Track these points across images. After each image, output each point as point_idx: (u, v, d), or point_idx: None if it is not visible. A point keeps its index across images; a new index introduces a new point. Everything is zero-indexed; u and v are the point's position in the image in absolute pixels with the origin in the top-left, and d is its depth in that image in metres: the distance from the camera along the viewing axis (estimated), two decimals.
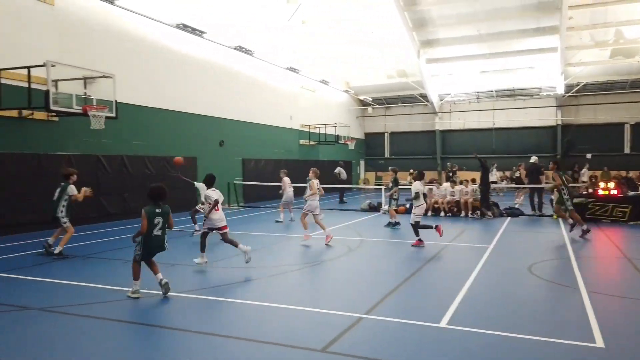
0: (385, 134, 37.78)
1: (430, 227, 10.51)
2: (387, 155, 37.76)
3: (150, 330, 5.33)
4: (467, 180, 17.74)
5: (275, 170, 24.02)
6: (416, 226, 10.52)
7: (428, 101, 34.38)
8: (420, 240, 10.55)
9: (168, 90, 17.87)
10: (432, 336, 5.10)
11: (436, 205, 16.59)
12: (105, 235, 12.36)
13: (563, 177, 12.10)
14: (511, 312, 5.93)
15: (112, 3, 15.41)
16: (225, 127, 21.03)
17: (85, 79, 13.27)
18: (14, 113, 12.40)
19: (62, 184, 9.54)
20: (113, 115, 13.03)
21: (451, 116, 35.49)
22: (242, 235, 12.28)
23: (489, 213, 15.86)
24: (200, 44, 19.51)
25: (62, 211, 9.40)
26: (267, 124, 24.33)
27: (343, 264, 8.95)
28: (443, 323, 5.40)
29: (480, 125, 34.44)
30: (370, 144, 38.34)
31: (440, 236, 10.56)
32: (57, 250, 9.36)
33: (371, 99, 36.02)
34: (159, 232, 6.59)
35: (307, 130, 28.19)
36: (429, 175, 31.84)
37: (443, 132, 35.76)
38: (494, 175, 31.56)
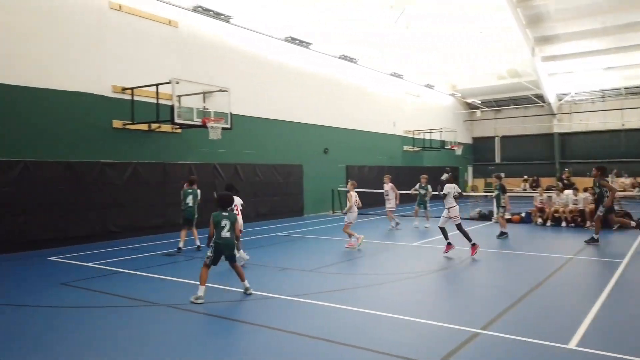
0: (496, 138, 35.74)
1: (447, 239, 10.14)
2: (497, 160, 35.67)
3: (255, 329, 5.50)
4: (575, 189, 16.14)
5: (379, 176, 23.89)
6: (460, 229, 10.20)
7: (544, 102, 31.93)
8: (449, 244, 10.14)
9: (276, 100, 18.66)
10: (562, 358, 4.63)
11: (556, 215, 15.25)
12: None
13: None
14: None
15: (227, 22, 16.51)
16: (330, 134, 21.40)
17: (204, 93, 14.32)
18: (144, 126, 13.77)
19: (191, 190, 10.73)
20: (228, 126, 13.88)
21: (571, 117, 32.63)
22: (344, 242, 12.34)
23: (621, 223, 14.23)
24: (307, 55, 20.12)
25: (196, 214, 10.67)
26: (370, 131, 24.31)
27: (454, 276, 8.57)
28: (572, 344, 4.88)
29: (606, 126, 31.20)
30: (479, 149, 36.54)
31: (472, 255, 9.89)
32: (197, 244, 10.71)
33: (480, 102, 34.36)
34: (228, 234, 6.80)
35: (411, 136, 27.67)
36: (546, 181, 29.51)
37: (562, 134, 32.98)
38: (615, 182, 28.31)
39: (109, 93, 13.20)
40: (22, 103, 11.43)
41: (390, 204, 15.04)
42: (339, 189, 21.02)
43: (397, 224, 14.85)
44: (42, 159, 11.59)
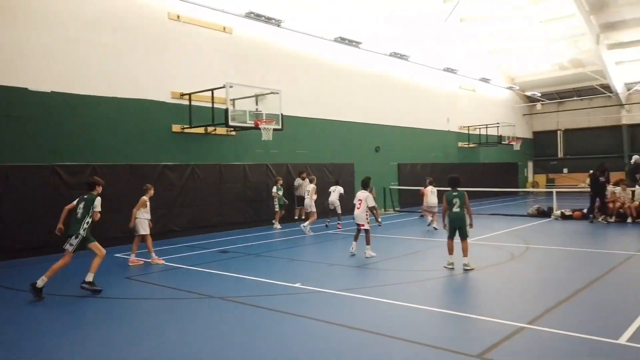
0: (558, 132, 34.14)
1: None
2: (560, 155, 34.08)
3: (301, 321, 5.72)
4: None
5: (433, 174, 23.62)
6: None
7: (612, 92, 30.12)
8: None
9: (327, 100, 18.90)
10: (607, 352, 4.51)
11: (621, 211, 14.43)
12: (275, 235, 13.56)
13: None
14: None
15: (279, 26, 16.96)
16: (381, 132, 21.37)
17: (256, 96, 14.81)
18: (201, 130, 14.45)
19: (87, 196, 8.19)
20: (279, 127, 14.28)
21: None
22: (397, 240, 12.36)
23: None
24: (357, 54, 20.22)
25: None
26: (423, 128, 24.00)
27: (505, 271, 8.41)
28: (622, 339, 4.73)
29: None
30: (540, 143, 35.03)
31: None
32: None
33: (540, 94, 32.93)
34: (458, 210, 8.32)
35: (467, 132, 27.02)
36: (615, 176, 27.85)
37: (632, 126, 30.95)
38: None
39: (168, 99, 13.98)
40: (89, 111, 12.36)
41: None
42: (390, 187, 20.95)
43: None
44: (109, 162, 12.48)
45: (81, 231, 7.28)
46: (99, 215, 7.49)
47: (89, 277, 7.33)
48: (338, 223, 14.90)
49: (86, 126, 12.28)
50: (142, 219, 9.81)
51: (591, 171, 16.53)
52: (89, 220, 7.38)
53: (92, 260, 7.45)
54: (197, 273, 8.81)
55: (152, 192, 10.05)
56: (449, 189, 8.64)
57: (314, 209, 14.03)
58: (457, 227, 8.36)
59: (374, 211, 10.12)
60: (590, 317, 5.69)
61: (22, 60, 11.26)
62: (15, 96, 11.09)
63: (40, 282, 6.96)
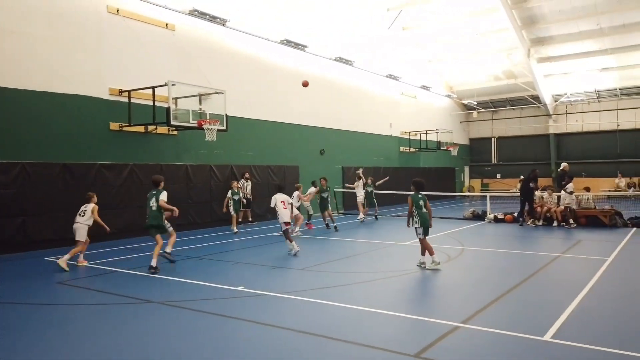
0: (492, 139, 35.98)
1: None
2: (494, 161, 35.92)
3: (242, 324, 5.69)
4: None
5: (375, 177, 24.14)
6: None
7: (540, 103, 32.16)
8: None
9: (272, 102, 18.86)
10: (534, 349, 4.83)
11: (548, 215, 15.44)
12: (217, 238, 13.34)
13: None
14: (627, 328, 5.41)
15: (224, 25, 16.72)
16: (326, 135, 21.61)
17: (200, 95, 14.51)
18: (141, 128, 13.97)
19: (155, 191, 9.27)
20: (224, 128, 14.08)
21: (567, 118, 32.86)
22: (342, 242, 12.55)
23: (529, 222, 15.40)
24: (302, 57, 20.33)
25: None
26: (366, 132, 24.52)
27: (441, 273, 8.75)
28: (547, 336, 5.09)
29: (601, 127, 31.47)
30: (476, 149, 36.77)
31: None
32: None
33: (476, 103, 34.59)
34: (425, 211, 8.86)
35: (408, 137, 27.88)
36: (543, 182, 29.73)
37: (558, 135, 33.21)
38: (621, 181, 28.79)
39: (106, 95, 13.40)
40: (21, 106, 11.63)
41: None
42: (335, 189, 21.20)
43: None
44: (40, 161, 11.79)
45: (164, 222, 9.17)
46: (165, 204, 8.97)
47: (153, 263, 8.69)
48: (307, 223, 15.36)
49: (15, 122, 11.53)
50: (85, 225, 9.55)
51: (522, 177, 17.59)
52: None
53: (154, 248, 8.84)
54: (136, 277, 8.52)
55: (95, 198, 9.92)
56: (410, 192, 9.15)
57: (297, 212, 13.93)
58: (427, 226, 8.89)
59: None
60: (519, 315, 6.06)
61: None
62: None
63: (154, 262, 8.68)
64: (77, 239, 9.46)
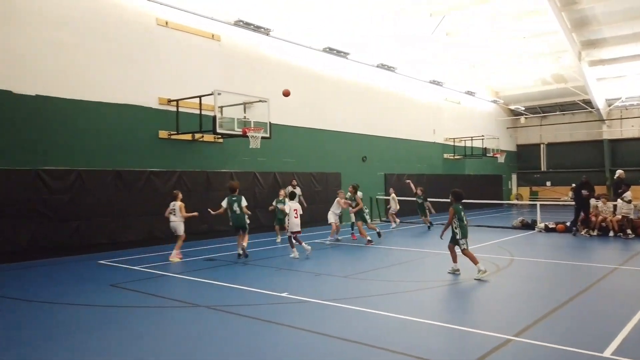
0: (541, 145, 34.73)
1: None
2: (543, 168, 34.64)
3: (288, 331, 5.69)
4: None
5: (418, 185, 23.77)
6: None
7: (593, 107, 30.78)
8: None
9: (314, 109, 18.97)
10: None
11: (604, 224, 14.68)
12: (261, 244, 13.48)
13: None
14: None
15: (267, 34, 17.01)
16: (368, 142, 21.51)
17: (244, 104, 14.78)
18: (188, 136, 14.37)
19: (235, 197, 10.89)
20: (267, 135, 14.26)
21: (622, 123, 31.29)
22: (386, 250, 12.39)
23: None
24: (345, 64, 20.37)
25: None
26: (409, 139, 24.23)
27: (490, 283, 8.47)
28: (607, 353, 4.80)
29: None
30: (523, 156, 35.58)
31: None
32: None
33: (524, 108, 33.52)
34: (465, 222, 8.81)
35: (452, 143, 27.32)
36: (596, 190, 28.39)
37: (612, 141, 31.66)
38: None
39: (155, 105, 13.88)
40: (76, 115, 12.21)
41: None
42: (377, 197, 21.04)
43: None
44: (94, 168, 12.32)
45: (248, 221, 10.80)
46: (245, 208, 10.67)
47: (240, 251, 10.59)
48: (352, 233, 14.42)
49: (72, 131, 12.12)
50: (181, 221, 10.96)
51: (574, 185, 16.83)
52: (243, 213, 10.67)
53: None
54: (184, 281, 8.71)
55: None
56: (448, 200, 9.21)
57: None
58: (467, 237, 8.88)
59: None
60: (574, 330, 5.76)
61: (6, 63, 11.09)
62: None
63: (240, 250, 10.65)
64: (178, 234, 10.89)
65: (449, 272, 8.99)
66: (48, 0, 11.79)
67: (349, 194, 14.08)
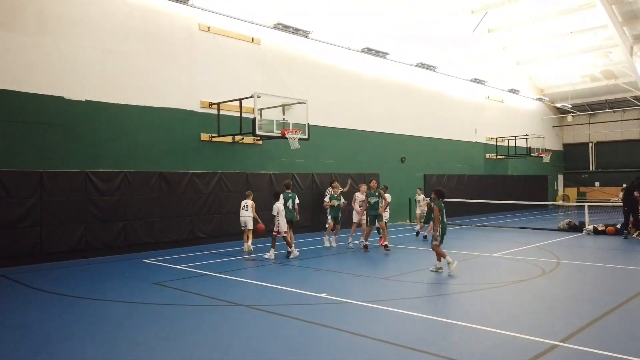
0: (590, 144, 33.32)
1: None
2: (592, 168, 33.21)
3: (329, 332, 5.69)
4: None
5: (458, 185, 23.30)
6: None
7: None
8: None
9: (353, 110, 18.93)
10: None
11: None
12: (298, 245, 13.56)
13: None
14: None
15: (306, 37, 17.12)
16: (407, 143, 21.26)
17: (283, 106, 14.91)
18: (228, 139, 14.64)
19: (290, 194, 11.84)
20: (306, 137, 14.34)
21: None
22: (423, 252, 12.21)
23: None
24: (383, 64, 20.22)
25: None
26: (450, 139, 23.76)
27: (535, 287, 8.20)
28: None
29: None
30: (570, 156, 34.23)
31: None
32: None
33: (570, 106, 32.24)
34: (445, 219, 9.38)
35: (494, 143, 26.61)
36: None
37: None
38: None
39: (197, 108, 14.23)
40: (122, 119, 12.68)
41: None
42: (416, 198, 20.74)
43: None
44: (139, 170, 12.76)
45: (297, 216, 11.97)
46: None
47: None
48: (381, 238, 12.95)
49: (118, 134, 12.59)
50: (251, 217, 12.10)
51: (624, 185, 16.02)
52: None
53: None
54: (224, 280, 8.88)
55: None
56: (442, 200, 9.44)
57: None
58: (444, 234, 9.41)
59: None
60: (626, 336, 5.49)
61: (58, 70, 11.65)
62: (52, 104, 11.47)
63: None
64: (248, 228, 12.01)
65: (431, 270, 9.32)
66: (95, 9, 12.31)
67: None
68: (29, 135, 11.13)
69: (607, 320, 6.04)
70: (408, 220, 20.20)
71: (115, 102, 12.53)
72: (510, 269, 9.83)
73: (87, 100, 12.05)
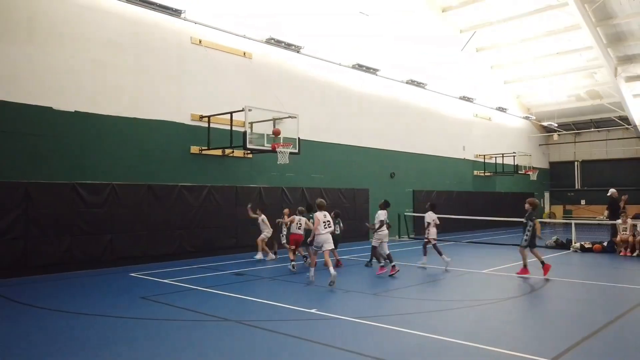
0: (575, 163, 33.82)
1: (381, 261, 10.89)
2: (577, 186, 33.66)
3: (318, 348, 5.61)
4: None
5: (448, 202, 23.42)
6: (372, 250, 11.32)
7: (630, 124, 29.86)
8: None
9: (343, 125, 19.01)
10: None
11: None
12: (288, 260, 13.45)
13: None
14: None
15: (298, 52, 17.23)
16: (397, 159, 21.37)
17: (274, 119, 14.94)
18: (218, 152, 14.58)
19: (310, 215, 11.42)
20: (296, 151, 14.34)
21: None
22: (417, 268, 12.18)
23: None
24: (374, 80, 20.41)
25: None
26: (438, 155, 23.96)
27: (524, 304, 8.21)
28: None
29: None
30: (557, 174, 34.68)
31: None
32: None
33: (557, 125, 32.77)
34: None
35: (482, 160, 26.89)
36: (632, 210, 27.34)
37: None
38: None
39: (188, 121, 14.17)
40: (112, 131, 12.57)
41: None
42: (405, 213, 20.81)
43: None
44: (128, 182, 12.62)
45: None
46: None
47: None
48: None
49: (107, 146, 12.47)
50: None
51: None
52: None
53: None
54: (212, 295, 8.75)
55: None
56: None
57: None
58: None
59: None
60: (618, 354, 5.50)
61: (47, 80, 11.54)
62: (40, 115, 11.34)
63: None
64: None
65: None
66: (86, 20, 12.26)
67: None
68: (15, 146, 10.97)
69: (597, 338, 6.04)
70: (397, 236, 20.19)
71: (104, 113, 12.43)
72: (499, 285, 9.84)
73: (76, 111, 11.93)
